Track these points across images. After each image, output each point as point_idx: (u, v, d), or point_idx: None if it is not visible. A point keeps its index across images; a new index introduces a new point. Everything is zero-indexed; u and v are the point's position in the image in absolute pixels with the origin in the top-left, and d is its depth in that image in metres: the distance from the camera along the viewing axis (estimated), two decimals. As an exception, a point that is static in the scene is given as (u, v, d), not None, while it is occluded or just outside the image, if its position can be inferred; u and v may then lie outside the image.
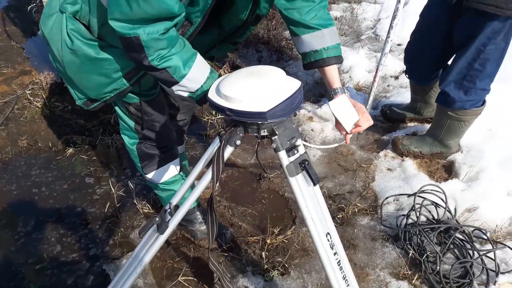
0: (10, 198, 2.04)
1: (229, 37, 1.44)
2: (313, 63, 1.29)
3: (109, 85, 1.25)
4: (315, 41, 1.26)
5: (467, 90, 1.96)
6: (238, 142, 1.06)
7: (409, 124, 2.56)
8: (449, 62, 2.09)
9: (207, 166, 1.13)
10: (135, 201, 2.00)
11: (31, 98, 2.61)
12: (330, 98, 1.27)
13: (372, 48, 3.34)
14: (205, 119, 2.57)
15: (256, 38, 3.42)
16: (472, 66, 1.89)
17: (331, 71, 1.29)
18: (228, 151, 1.06)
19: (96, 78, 1.24)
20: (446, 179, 2.16)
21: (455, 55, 1.99)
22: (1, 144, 2.33)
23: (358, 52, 3.14)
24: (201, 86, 1.14)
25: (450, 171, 2.23)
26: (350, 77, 2.95)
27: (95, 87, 1.27)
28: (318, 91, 2.87)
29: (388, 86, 2.91)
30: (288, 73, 1.15)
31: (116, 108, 1.43)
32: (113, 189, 2.04)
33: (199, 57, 1.14)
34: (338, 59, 1.29)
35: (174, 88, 1.15)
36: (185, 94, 1.17)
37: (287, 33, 3.55)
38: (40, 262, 1.76)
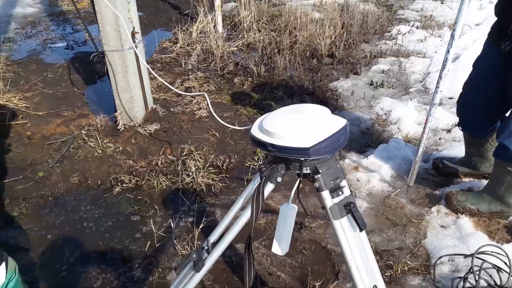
0: (59, 230, 2.10)
1: None
2: None
3: None
4: None
5: (529, 144, 1.83)
6: (279, 179, 1.02)
7: (464, 179, 2.40)
8: (508, 114, 1.98)
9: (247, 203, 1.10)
10: (175, 242, 1.98)
11: (86, 138, 2.76)
12: None
13: (421, 100, 3.26)
14: (247, 165, 2.57)
15: (300, 89, 3.48)
16: None
17: None
18: (269, 188, 1.03)
19: None
20: (509, 241, 1.96)
21: (513, 106, 1.89)
22: (55, 180, 2.45)
23: (407, 104, 3.07)
24: None
25: (513, 232, 2.03)
26: (398, 128, 2.87)
27: None
28: (364, 141, 2.81)
29: (439, 139, 2.78)
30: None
31: None
32: (154, 229, 2.04)
33: None
34: None
35: None
36: None
37: (332, 84, 3.59)
38: (78, 297, 1.75)
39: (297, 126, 0.98)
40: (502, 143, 1.89)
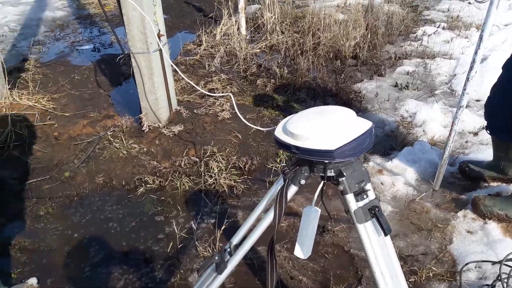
0: (84, 230, 2.15)
1: None
2: None
3: None
4: None
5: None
6: (303, 182, 1.02)
7: (491, 184, 2.33)
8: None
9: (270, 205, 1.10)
10: (196, 243, 2.00)
11: (111, 139, 2.82)
12: None
13: (447, 103, 3.19)
14: (269, 167, 2.57)
15: (324, 90, 3.45)
16: None
17: None
18: (292, 190, 1.03)
19: None
20: (539, 249, 1.89)
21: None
22: (80, 180, 2.51)
23: (432, 107, 3.01)
24: None
25: (544, 239, 1.95)
26: (423, 131, 2.81)
27: None
28: (388, 144, 2.76)
29: (466, 142, 2.71)
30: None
31: None
32: (176, 230, 2.07)
33: None
34: None
35: None
36: None
37: (356, 86, 3.55)
38: (101, 296, 1.78)
39: (322, 128, 0.97)
40: (533, 148, 1.83)
